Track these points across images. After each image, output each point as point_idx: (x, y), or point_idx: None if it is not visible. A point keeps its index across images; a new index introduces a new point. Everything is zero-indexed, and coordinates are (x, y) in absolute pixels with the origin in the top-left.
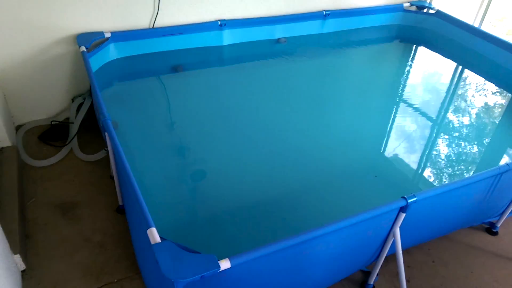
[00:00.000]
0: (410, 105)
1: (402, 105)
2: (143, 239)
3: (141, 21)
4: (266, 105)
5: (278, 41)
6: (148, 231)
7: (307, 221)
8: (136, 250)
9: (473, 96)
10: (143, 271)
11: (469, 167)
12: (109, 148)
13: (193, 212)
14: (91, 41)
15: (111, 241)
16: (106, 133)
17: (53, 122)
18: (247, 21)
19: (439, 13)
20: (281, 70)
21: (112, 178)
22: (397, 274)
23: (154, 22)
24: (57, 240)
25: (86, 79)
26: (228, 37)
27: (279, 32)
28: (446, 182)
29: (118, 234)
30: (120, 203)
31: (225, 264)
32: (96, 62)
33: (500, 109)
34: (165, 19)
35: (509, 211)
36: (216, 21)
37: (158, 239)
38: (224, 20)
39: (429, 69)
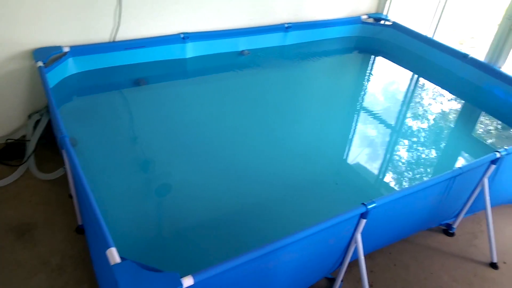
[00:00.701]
0: (370, 113)
1: (362, 113)
2: (103, 259)
3: (102, 35)
4: (230, 117)
5: (241, 53)
6: (107, 251)
7: (273, 232)
8: (96, 271)
9: (429, 103)
10: None
11: (428, 170)
12: (67, 167)
13: (158, 228)
14: (48, 56)
15: (70, 263)
16: (63, 151)
17: (8, 141)
18: (210, 33)
19: (395, 25)
20: (245, 82)
21: (71, 196)
22: (360, 279)
23: (115, 36)
24: (13, 264)
25: (43, 95)
26: (191, 50)
27: (242, 44)
28: (406, 186)
29: (77, 255)
30: (80, 222)
31: (187, 281)
32: (54, 77)
33: (454, 115)
34: (127, 32)
35: (464, 212)
36: (178, 34)
37: (118, 259)
38: (187, 33)
39: (387, 79)
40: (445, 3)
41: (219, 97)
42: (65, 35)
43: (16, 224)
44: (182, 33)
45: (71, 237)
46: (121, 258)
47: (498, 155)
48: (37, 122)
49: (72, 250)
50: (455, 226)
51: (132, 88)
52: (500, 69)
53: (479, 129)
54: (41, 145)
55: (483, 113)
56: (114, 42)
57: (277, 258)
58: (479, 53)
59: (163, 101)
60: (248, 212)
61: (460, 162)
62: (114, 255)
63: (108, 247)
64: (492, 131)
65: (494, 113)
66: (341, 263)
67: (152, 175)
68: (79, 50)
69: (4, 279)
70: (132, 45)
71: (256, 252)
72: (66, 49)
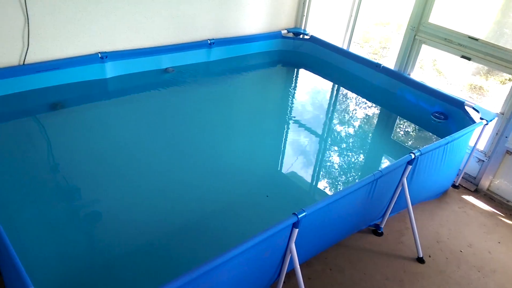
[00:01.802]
0: (297, 123)
1: (290, 124)
2: None
3: (9, 58)
4: (157, 137)
5: (165, 70)
6: None
7: (210, 251)
8: None
9: (350, 110)
10: None
11: (355, 173)
12: None
13: (87, 261)
14: None
15: None
16: None
17: None
18: (131, 52)
19: (313, 38)
20: (171, 99)
21: None
22: None
23: (25, 58)
24: None
25: None
26: (111, 69)
27: (166, 61)
28: (338, 189)
29: None
30: None
31: None
32: None
33: (373, 120)
34: (38, 54)
35: (389, 212)
36: (96, 54)
37: None
38: (105, 52)
39: (310, 89)
40: (356, 16)
41: (144, 117)
42: None
43: None
44: (100, 52)
45: None
46: None
47: (413, 156)
48: None
49: None
50: (382, 226)
51: (48, 113)
52: (410, 76)
53: (397, 132)
54: None
55: (398, 117)
56: (24, 65)
57: (216, 277)
58: (391, 62)
59: (83, 125)
60: (181, 232)
61: (383, 164)
62: None
63: None
64: (407, 133)
65: (408, 117)
66: (279, 275)
67: (76, 204)
68: None
69: None
70: (44, 68)
71: (192, 274)
72: None
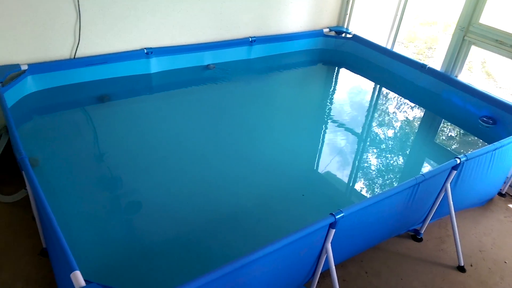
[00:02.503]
0: (336, 123)
1: (329, 124)
2: (68, 283)
3: (61, 52)
4: (197, 132)
5: (207, 67)
6: (71, 275)
7: (244, 246)
8: None
9: (392, 112)
10: None
11: (395, 177)
12: (28, 188)
13: (124, 248)
14: (5, 75)
15: (35, 287)
16: (23, 172)
17: None
18: (174, 48)
19: (355, 37)
20: (211, 95)
21: (34, 219)
22: None
23: (76, 52)
24: None
25: (1, 114)
26: (155, 65)
27: (207, 58)
28: (375, 192)
29: (42, 280)
30: (44, 245)
31: None
32: (12, 96)
33: (416, 123)
34: (88, 49)
35: (430, 217)
36: (142, 49)
37: (83, 283)
38: (151, 48)
39: (351, 89)
40: (402, 15)
41: (185, 112)
42: (22, 53)
43: None
44: (145, 48)
45: (36, 261)
46: (86, 281)
47: (458, 161)
48: None
49: (36, 274)
50: (422, 231)
51: (95, 105)
52: (457, 77)
53: (441, 136)
54: (1, 166)
55: (443, 120)
56: (74, 58)
57: (248, 273)
58: (436, 63)
59: (128, 117)
60: (216, 227)
61: (425, 168)
62: (78, 279)
63: (72, 270)
64: (453, 138)
65: (453, 120)
66: (313, 274)
67: (118, 193)
68: (38, 68)
69: None
70: (93, 61)
71: (226, 268)
72: (24, 67)
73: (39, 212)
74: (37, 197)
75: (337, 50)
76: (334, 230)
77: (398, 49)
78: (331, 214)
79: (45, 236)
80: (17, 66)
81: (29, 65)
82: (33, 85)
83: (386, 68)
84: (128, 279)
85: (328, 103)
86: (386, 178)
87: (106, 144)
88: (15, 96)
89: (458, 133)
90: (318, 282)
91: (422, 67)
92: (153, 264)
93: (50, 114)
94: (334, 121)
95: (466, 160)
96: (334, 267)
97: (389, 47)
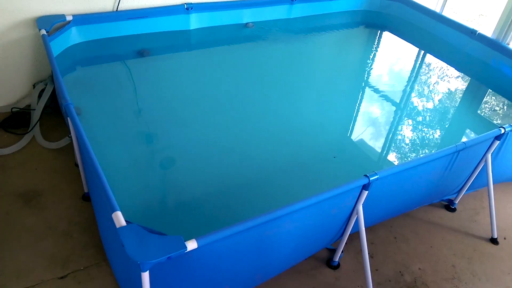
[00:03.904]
0: (375, 89)
1: (367, 90)
2: (109, 224)
3: (104, 4)
4: (234, 90)
5: (246, 25)
6: (113, 215)
7: (275, 202)
8: (102, 237)
9: (435, 80)
10: (110, 257)
11: (431, 148)
12: (72, 134)
13: (162, 197)
14: (52, 25)
15: (77, 229)
16: (68, 119)
17: (14, 109)
18: (214, 4)
19: None
20: (249, 55)
21: (77, 165)
22: (361, 250)
23: (118, 5)
24: (20, 230)
25: (48, 64)
26: (195, 21)
27: (246, 16)
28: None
29: (84, 222)
30: (86, 190)
31: (191, 245)
32: (58, 46)
33: (460, 92)
34: (130, 2)
35: (466, 188)
36: (182, 5)
37: (124, 223)
38: (191, 3)
39: (393, 54)
40: None
41: (223, 70)
42: (68, 4)
43: (23, 191)
44: (186, 3)
45: (78, 204)
46: (127, 221)
47: (502, 130)
48: (42, 91)
49: (78, 216)
50: (456, 202)
51: (135, 59)
52: (509, 45)
53: (486, 107)
54: (46, 114)
55: (489, 90)
56: (117, 11)
57: (280, 226)
58: (487, 31)
59: (166, 73)
60: (250, 184)
61: (465, 139)
62: (119, 219)
63: (114, 211)
64: (498, 109)
65: (501, 91)
66: (342, 234)
67: (156, 146)
68: (82, 19)
69: (12, 243)
70: (134, 15)
71: (259, 219)
72: (69, 18)
73: (82, 156)
74: (81, 142)
75: (382, 12)
76: (367, 192)
77: (447, 14)
78: (365, 175)
79: (87, 180)
80: (62, 16)
81: (73, 16)
82: (77, 36)
83: (433, 33)
84: (165, 224)
85: (368, 68)
86: (421, 151)
87: (145, 98)
88: (60, 46)
89: (505, 104)
90: (346, 243)
91: (472, 33)
92: (187, 213)
93: (92, 65)
94: (372, 87)
95: (511, 130)
96: (364, 229)
97: (438, 11)
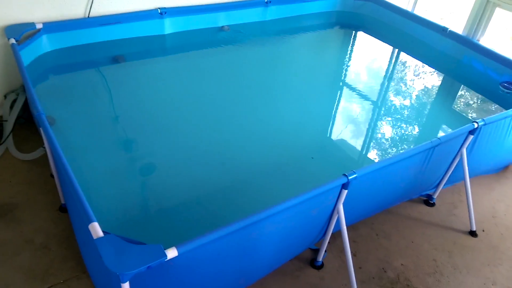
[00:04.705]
0: (352, 88)
1: (344, 89)
2: (87, 235)
3: (76, 10)
4: (212, 94)
5: (221, 28)
6: (90, 226)
7: (256, 205)
8: (81, 248)
9: (410, 78)
10: (90, 269)
11: (409, 144)
12: (46, 144)
13: (140, 205)
14: (21, 33)
15: (55, 241)
16: (41, 129)
17: None
18: (188, 8)
19: None
20: (226, 58)
21: (53, 176)
22: (344, 249)
23: (90, 11)
24: None
25: (19, 73)
26: (169, 26)
27: (222, 19)
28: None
29: (61, 233)
30: (63, 201)
31: (172, 253)
32: (28, 55)
33: (434, 89)
34: (102, 8)
35: (444, 182)
36: (156, 9)
37: (101, 234)
38: (164, 8)
39: (368, 54)
40: None
41: (199, 74)
42: (37, 11)
43: None
44: (159, 8)
45: (55, 216)
46: (104, 232)
47: (476, 125)
48: (14, 101)
49: (56, 228)
50: (435, 196)
51: (110, 65)
52: (479, 42)
53: (459, 102)
54: (19, 125)
55: (462, 86)
56: (88, 18)
57: (261, 229)
58: (458, 28)
59: (142, 79)
60: (229, 188)
61: (441, 135)
62: (96, 229)
63: (90, 221)
64: (471, 104)
65: (473, 86)
66: (325, 234)
67: (134, 154)
68: (52, 27)
69: None
70: (107, 21)
71: (240, 223)
72: (39, 26)
73: (57, 167)
74: (55, 152)
75: (355, 12)
76: (346, 191)
77: (418, 12)
78: (344, 174)
79: (63, 191)
80: (32, 24)
81: (44, 23)
82: (48, 44)
83: (406, 31)
84: (144, 233)
85: (344, 68)
86: (400, 147)
87: (121, 104)
88: (31, 55)
89: (478, 99)
90: (328, 242)
91: (443, 30)
92: (168, 220)
93: (65, 73)
94: (349, 87)
95: (484, 124)
96: (345, 228)
97: (409, 9)
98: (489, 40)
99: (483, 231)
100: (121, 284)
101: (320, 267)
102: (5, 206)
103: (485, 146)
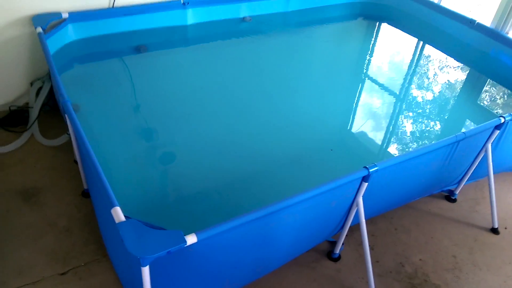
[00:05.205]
0: (374, 81)
1: (366, 82)
2: (108, 219)
3: (100, 0)
4: (233, 85)
5: (243, 19)
6: (112, 210)
7: (276, 195)
8: (102, 232)
9: (434, 71)
10: (111, 253)
11: (431, 139)
12: (70, 131)
13: (161, 192)
14: (47, 22)
15: (77, 225)
16: (66, 116)
17: (12, 108)
18: None
19: None
20: (247, 49)
21: (76, 162)
22: (361, 242)
23: (114, 1)
24: (20, 227)
25: (45, 62)
26: (192, 16)
27: (244, 10)
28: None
29: (84, 218)
30: (85, 187)
31: (191, 239)
32: (54, 43)
33: (460, 83)
34: None
35: (466, 178)
36: (179, 0)
37: (123, 218)
38: None
39: (392, 46)
40: None
41: (220, 65)
42: (64, 1)
43: (22, 188)
44: None
45: (77, 201)
46: (126, 217)
47: (502, 120)
48: (39, 89)
49: (78, 213)
50: (457, 192)
51: (132, 55)
52: (507, 34)
53: (485, 96)
54: (44, 112)
55: (489, 80)
56: (113, 8)
57: (280, 219)
58: (486, 20)
59: (164, 69)
60: (249, 178)
61: (465, 130)
62: (118, 214)
63: (113, 206)
64: (498, 99)
65: (500, 80)
66: (343, 227)
67: (154, 142)
68: (78, 16)
69: (13, 240)
70: (131, 11)
71: (259, 212)
72: (65, 15)
73: (81, 153)
74: (80, 139)
75: (380, 3)
76: (366, 183)
77: (445, 4)
78: (365, 167)
79: (86, 177)
80: (58, 14)
81: (69, 13)
82: (74, 33)
83: (432, 23)
84: (164, 219)
85: (366, 60)
86: (421, 142)
87: (143, 94)
88: (56, 44)
89: (504, 93)
90: (346, 235)
91: (470, 23)
92: (188, 207)
93: (89, 62)
94: (371, 79)
95: (511, 119)
96: (364, 221)
97: (436, 1)
98: None
99: (506, 228)
100: (141, 267)
101: (337, 259)
102: (30, 190)
103: (511, 142)
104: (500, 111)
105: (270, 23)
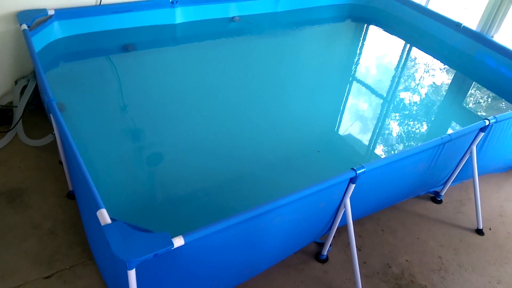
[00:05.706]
0: (361, 83)
1: (354, 83)
2: (94, 222)
3: None
4: (221, 84)
5: (232, 19)
6: (97, 213)
7: (263, 197)
8: (88, 235)
9: (421, 73)
10: (97, 256)
11: (418, 141)
12: (55, 130)
13: (148, 194)
14: (33, 19)
15: (62, 227)
16: (51, 115)
17: None
18: None
19: None
20: (235, 49)
21: (61, 163)
22: (349, 244)
23: None
24: (4, 229)
25: (30, 59)
26: (180, 15)
27: (233, 10)
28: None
29: (69, 220)
30: (70, 188)
31: (178, 241)
32: (40, 41)
33: (445, 85)
34: None
35: (452, 180)
36: None
37: (109, 220)
38: None
39: (380, 48)
40: None
41: (209, 65)
42: None
43: (6, 189)
44: None
45: (62, 203)
46: (112, 219)
47: (487, 122)
48: (24, 87)
49: (63, 215)
50: (442, 193)
51: (120, 54)
52: (492, 38)
53: (470, 99)
54: (29, 111)
55: (474, 83)
56: (100, 5)
57: (268, 221)
58: (472, 24)
59: (152, 68)
60: (237, 180)
61: (451, 132)
62: (104, 216)
63: (98, 208)
64: (483, 101)
65: (485, 83)
66: (330, 228)
67: (141, 142)
68: (64, 14)
69: None
70: (119, 9)
71: (247, 213)
72: (51, 12)
73: (66, 153)
74: (65, 139)
75: (368, 5)
76: (354, 185)
77: (432, 7)
78: (352, 168)
79: (72, 178)
80: (44, 10)
81: (56, 10)
82: (60, 31)
83: (419, 26)
84: (151, 221)
85: (354, 62)
86: (408, 143)
87: (130, 93)
88: (42, 41)
89: (489, 96)
90: (334, 236)
91: (456, 26)
92: (176, 209)
93: (75, 61)
94: (359, 81)
95: (496, 122)
96: (351, 222)
97: (423, 3)
98: (503, 37)
99: (490, 229)
100: (128, 271)
101: (324, 260)
102: (14, 191)
103: (495, 144)
104: (484, 113)
105: (259, 23)
